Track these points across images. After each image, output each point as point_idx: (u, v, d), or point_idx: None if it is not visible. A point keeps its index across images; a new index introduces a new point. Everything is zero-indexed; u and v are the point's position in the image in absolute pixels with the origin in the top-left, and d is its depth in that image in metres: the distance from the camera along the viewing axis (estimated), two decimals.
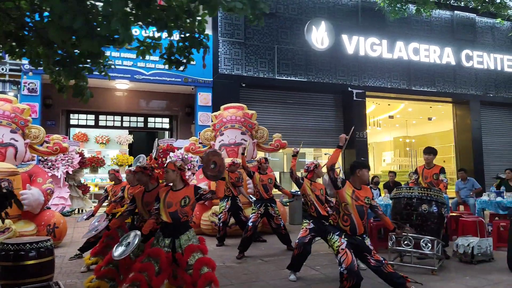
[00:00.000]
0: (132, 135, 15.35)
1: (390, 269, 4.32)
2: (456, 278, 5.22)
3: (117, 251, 4.00)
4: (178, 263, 3.94)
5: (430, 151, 6.33)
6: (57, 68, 4.82)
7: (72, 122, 12.99)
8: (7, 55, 5.00)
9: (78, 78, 4.74)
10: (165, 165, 4.20)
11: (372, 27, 14.19)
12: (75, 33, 3.61)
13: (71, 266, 6.18)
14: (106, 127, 13.71)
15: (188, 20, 4.58)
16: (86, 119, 13.16)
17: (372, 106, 15.89)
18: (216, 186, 4.25)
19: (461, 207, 10.25)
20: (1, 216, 3.92)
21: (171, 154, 11.34)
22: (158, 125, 14.20)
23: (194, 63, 5.34)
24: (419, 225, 5.73)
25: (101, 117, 13.22)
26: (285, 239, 7.11)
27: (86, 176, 12.58)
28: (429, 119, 16.92)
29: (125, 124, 13.76)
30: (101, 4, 3.53)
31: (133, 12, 4.03)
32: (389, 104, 15.98)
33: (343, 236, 4.23)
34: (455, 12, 15.80)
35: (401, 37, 14.60)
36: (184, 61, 4.97)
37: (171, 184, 4.13)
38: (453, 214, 7.90)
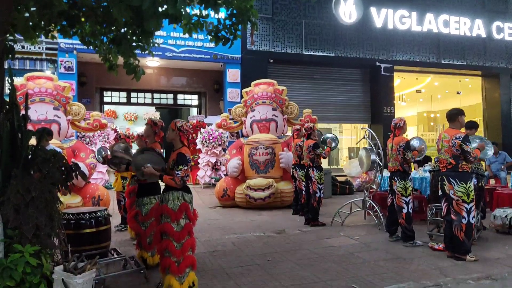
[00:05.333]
0: (158, 112, 15.66)
1: None
2: (495, 247, 5.37)
3: None
4: None
5: (473, 126, 6.26)
6: (110, 46, 5.02)
7: (105, 99, 13.35)
8: (57, 34, 5.17)
9: (131, 57, 4.93)
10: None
11: None
12: (139, 12, 3.78)
13: (120, 235, 6.53)
14: (137, 104, 14.04)
15: None
16: (119, 97, 13.50)
17: (397, 81, 15.76)
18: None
19: (492, 181, 10.25)
20: (68, 187, 4.21)
21: (202, 130, 11.57)
22: (187, 102, 14.46)
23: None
24: None
25: (133, 94, 13.54)
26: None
27: None
28: (458, 93, 16.68)
29: (155, 101, 14.07)
30: None
31: None
32: (417, 78, 15.85)
33: None
34: None
35: (431, 9, 14.31)
36: (231, 37, 5.09)
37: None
38: (487, 187, 7.95)
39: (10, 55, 4.16)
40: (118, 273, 4.36)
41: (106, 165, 10.78)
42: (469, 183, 4.78)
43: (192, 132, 11.54)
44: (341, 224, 7.02)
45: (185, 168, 3.75)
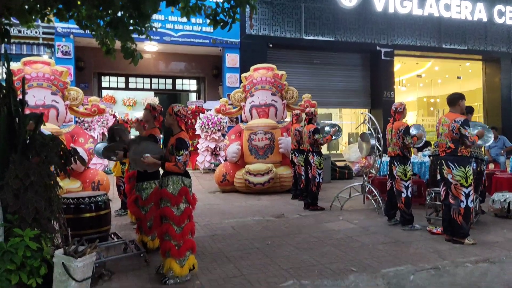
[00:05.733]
0: (157, 97, 15.59)
1: None
2: (493, 231, 5.40)
3: None
4: None
5: (469, 111, 6.26)
6: (107, 30, 4.95)
7: (103, 84, 13.27)
8: (54, 18, 5.10)
9: (128, 40, 4.87)
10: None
11: None
12: None
13: (120, 220, 6.56)
14: (136, 89, 13.96)
15: None
16: (117, 82, 13.43)
17: (398, 65, 15.66)
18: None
19: (491, 165, 10.26)
20: (66, 171, 4.20)
21: (201, 115, 11.54)
22: (186, 87, 14.39)
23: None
24: None
25: (131, 79, 13.46)
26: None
27: None
28: (458, 77, 16.60)
29: (154, 86, 14.00)
30: None
31: None
32: (417, 63, 15.75)
33: None
34: None
35: None
36: (230, 21, 5.02)
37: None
38: (486, 171, 7.95)
39: (6, 39, 4.11)
40: (119, 257, 4.40)
41: None
42: (468, 167, 4.78)
43: (190, 117, 11.50)
44: (340, 209, 7.05)
45: (186, 152, 3.76)
